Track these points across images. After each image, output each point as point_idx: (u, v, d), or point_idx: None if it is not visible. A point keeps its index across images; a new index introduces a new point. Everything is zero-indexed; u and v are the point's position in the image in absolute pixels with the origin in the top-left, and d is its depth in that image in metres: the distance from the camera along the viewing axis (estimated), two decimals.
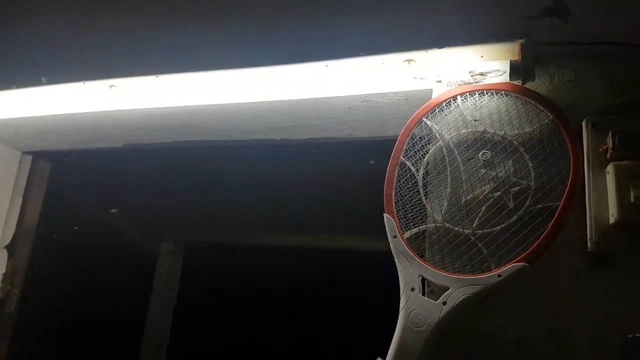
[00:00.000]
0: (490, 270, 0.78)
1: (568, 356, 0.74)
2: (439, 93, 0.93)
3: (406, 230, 0.86)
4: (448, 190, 0.86)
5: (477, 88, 0.89)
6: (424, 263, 0.81)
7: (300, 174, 1.63)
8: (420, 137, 0.91)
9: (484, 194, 0.84)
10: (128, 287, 1.82)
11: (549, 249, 0.76)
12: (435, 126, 0.90)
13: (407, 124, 0.92)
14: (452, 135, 0.89)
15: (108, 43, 1.07)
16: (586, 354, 0.73)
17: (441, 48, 0.88)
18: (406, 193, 0.88)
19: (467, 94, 0.90)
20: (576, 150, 0.80)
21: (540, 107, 0.85)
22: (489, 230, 0.81)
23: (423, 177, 0.89)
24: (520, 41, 0.83)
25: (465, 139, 0.88)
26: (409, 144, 0.91)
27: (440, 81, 0.89)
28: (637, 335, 0.70)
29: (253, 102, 1.17)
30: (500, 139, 0.86)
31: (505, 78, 0.85)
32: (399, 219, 0.86)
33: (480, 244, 0.81)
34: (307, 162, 1.53)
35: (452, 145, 0.89)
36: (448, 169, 0.87)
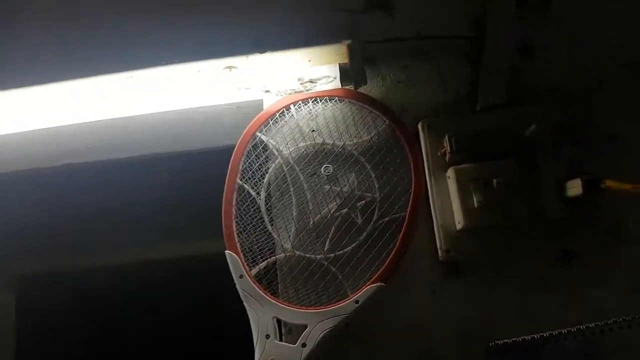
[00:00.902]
0: (347, 297, 0.72)
1: None
2: (269, 103, 0.83)
3: (254, 267, 0.76)
4: (294, 213, 0.78)
5: (310, 95, 0.82)
6: (277, 302, 0.72)
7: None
8: (256, 155, 0.81)
9: (331, 212, 0.77)
10: None
11: (401, 263, 0.72)
12: (272, 141, 0.81)
13: (239, 141, 0.81)
14: (291, 149, 0.80)
15: None
16: None
17: (263, 53, 0.78)
18: (249, 222, 0.78)
19: (301, 102, 0.82)
20: (415, 155, 0.77)
21: (376, 112, 0.80)
22: (341, 252, 0.75)
23: (265, 201, 0.79)
24: (347, 42, 0.76)
25: (305, 152, 0.80)
26: (245, 163, 0.80)
27: (268, 90, 0.80)
28: (498, 342, 0.70)
29: (51, 127, 0.96)
30: (341, 150, 0.80)
31: (336, 84, 0.79)
32: (244, 254, 0.75)
33: (334, 269, 0.74)
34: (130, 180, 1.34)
35: (291, 161, 0.80)
36: (291, 189, 0.79)
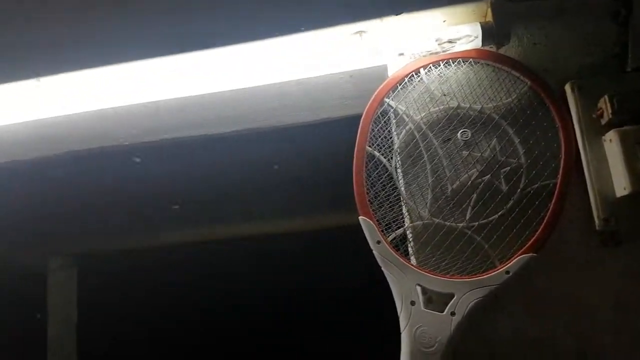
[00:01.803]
0: (495, 267, 0.68)
1: (591, 349, 0.67)
2: (395, 68, 0.80)
3: (390, 233, 0.72)
4: (430, 180, 0.74)
5: (440, 58, 0.77)
6: (419, 269, 0.69)
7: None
8: (385, 122, 0.78)
9: (472, 179, 0.73)
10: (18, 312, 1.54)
11: (553, 232, 0.67)
12: (401, 106, 0.77)
13: (367, 108, 0.78)
14: (422, 114, 0.77)
15: None
16: (611, 345, 0.66)
17: (398, 14, 0.74)
18: (381, 189, 0.75)
19: (431, 65, 0.78)
20: (564, 119, 0.72)
21: (516, 73, 0.75)
22: (485, 220, 0.70)
23: (396, 168, 0.76)
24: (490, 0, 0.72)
25: (437, 117, 0.77)
26: (374, 130, 0.77)
27: (402, 54, 0.76)
28: None
29: (167, 99, 0.96)
30: (478, 113, 0.75)
31: (477, 44, 0.74)
32: (378, 221, 0.72)
33: (478, 238, 0.70)
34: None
35: (424, 126, 0.76)
36: (425, 155, 0.75)
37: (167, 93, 0.93)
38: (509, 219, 0.69)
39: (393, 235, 0.72)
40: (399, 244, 0.72)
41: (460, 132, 0.75)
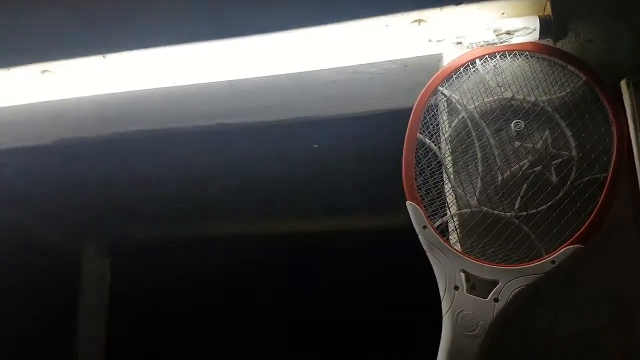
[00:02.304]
0: (541, 256, 0.69)
1: (637, 345, 0.67)
2: (450, 58, 0.81)
3: (436, 219, 0.74)
4: (480, 169, 0.76)
5: (497, 49, 0.78)
6: (464, 255, 0.71)
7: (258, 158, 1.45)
8: (437, 110, 0.80)
9: (523, 169, 0.74)
10: (52, 296, 1.59)
11: (602, 226, 0.68)
12: (455, 95, 0.79)
13: (420, 94, 0.79)
14: (477, 104, 0.78)
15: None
16: None
17: (458, 4, 0.76)
18: (430, 176, 0.76)
19: (487, 56, 0.79)
20: (618, 114, 0.72)
21: (572, 67, 0.76)
22: (534, 211, 0.72)
23: (446, 155, 0.78)
24: None
25: (491, 107, 0.78)
26: (425, 118, 0.79)
27: (460, 42, 0.77)
28: None
29: (215, 82, 0.98)
30: (532, 106, 0.76)
31: (534, 36, 0.75)
32: (425, 207, 0.74)
33: (526, 228, 0.71)
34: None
35: (477, 116, 0.78)
36: (476, 144, 0.77)
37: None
38: (558, 210, 0.70)
39: (440, 221, 0.74)
40: (445, 230, 0.74)
41: (513, 123, 0.76)
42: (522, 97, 0.76)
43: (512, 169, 0.74)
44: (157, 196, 1.52)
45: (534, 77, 0.77)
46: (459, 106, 0.78)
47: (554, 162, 0.73)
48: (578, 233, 0.68)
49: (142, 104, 1.03)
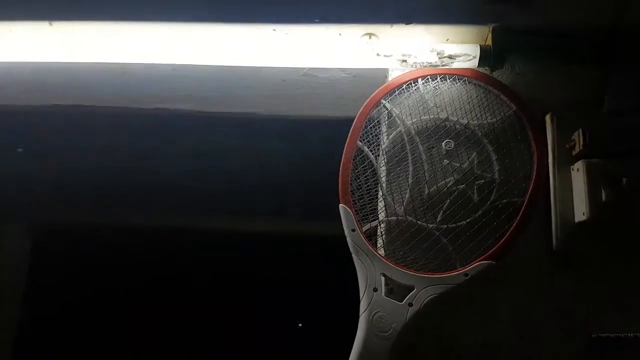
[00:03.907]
0: (455, 268, 0.73)
1: (537, 357, 0.73)
2: (397, 74, 0.85)
3: (365, 224, 0.78)
4: (410, 181, 0.80)
5: (439, 72, 0.83)
6: (386, 260, 0.74)
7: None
8: (378, 121, 0.83)
9: (448, 186, 0.78)
10: None
11: (514, 245, 0.74)
12: (395, 109, 0.83)
13: (364, 104, 0.83)
14: (414, 120, 0.82)
15: None
16: (553, 355, 0.73)
17: (408, 24, 0.80)
18: (364, 182, 0.80)
19: (429, 77, 0.84)
20: (540, 145, 0.78)
21: (504, 97, 0.82)
22: (454, 225, 0.76)
23: (381, 165, 0.81)
24: (492, 25, 0.78)
25: (426, 125, 0.82)
26: (366, 127, 0.82)
27: (405, 60, 0.81)
28: (601, 335, 0.70)
29: (162, 64, 0.97)
30: (463, 128, 0.81)
31: (474, 64, 0.80)
32: (356, 211, 0.77)
33: (445, 240, 0.76)
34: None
35: (413, 132, 0.82)
36: (409, 158, 0.81)
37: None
38: (476, 227, 0.75)
39: (368, 226, 0.78)
40: (372, 236, 0.77)
41: (444, 142, 0.81)
42: (455, 118, 0.81)
43: (438, 185, 0.79)
44: (85, 178, 1.45)
45: (469, 102, 0.82)
46: (398, 120, 0.82)
47: (477, 182, 0.78)
48: (492, 250, 0.73)
49: (84, 76, 1.00)
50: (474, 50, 0.79)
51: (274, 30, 0.85)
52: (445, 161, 0.80)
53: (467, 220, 0.76)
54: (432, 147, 0.81)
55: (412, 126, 0.82)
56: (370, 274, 0.73)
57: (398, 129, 0.82)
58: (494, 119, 0.81)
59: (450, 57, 0.80)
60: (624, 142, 0.73)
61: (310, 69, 0.96)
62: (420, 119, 0.82)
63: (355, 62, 0.86)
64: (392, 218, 0.78)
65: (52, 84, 1.02)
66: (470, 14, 0.79)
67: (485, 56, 0.79)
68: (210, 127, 1.23)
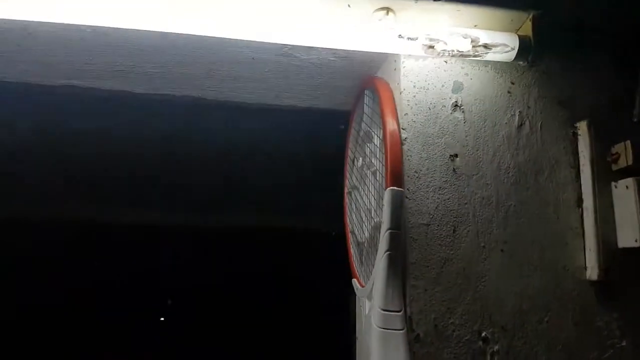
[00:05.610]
0: None
1: None
2: (412, 63, 0.69)
3: None
4: None
5: None
6: None
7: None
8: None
9: None
10: None
11: None
12: None
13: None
14: None
15: None
16: None
17: (436, 0, 0.64)
18: None
19: None
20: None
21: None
22: None
23: None
24: (532, 12, 0.65)
25: None
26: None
27: (432, 47, 0.65)
28: None
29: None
30: None
31: (510, 56, 0.67)
32: None
33: None
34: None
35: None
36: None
37: None
38: None
39: None
40: None
41: None
42: None
43: None
44: None
45: None
46: None
47: None
48: None
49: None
50: (513, 41, 0.66)
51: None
52: None
53: None
54: None
55: None
56: None
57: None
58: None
59: (485, 46, 0.66)
60: None
61: (291, 47, 0.76)
62: None
63: (360, 43, 0.66)
64: None
65: None
66: None
67: (525, 49, 0.66)
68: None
